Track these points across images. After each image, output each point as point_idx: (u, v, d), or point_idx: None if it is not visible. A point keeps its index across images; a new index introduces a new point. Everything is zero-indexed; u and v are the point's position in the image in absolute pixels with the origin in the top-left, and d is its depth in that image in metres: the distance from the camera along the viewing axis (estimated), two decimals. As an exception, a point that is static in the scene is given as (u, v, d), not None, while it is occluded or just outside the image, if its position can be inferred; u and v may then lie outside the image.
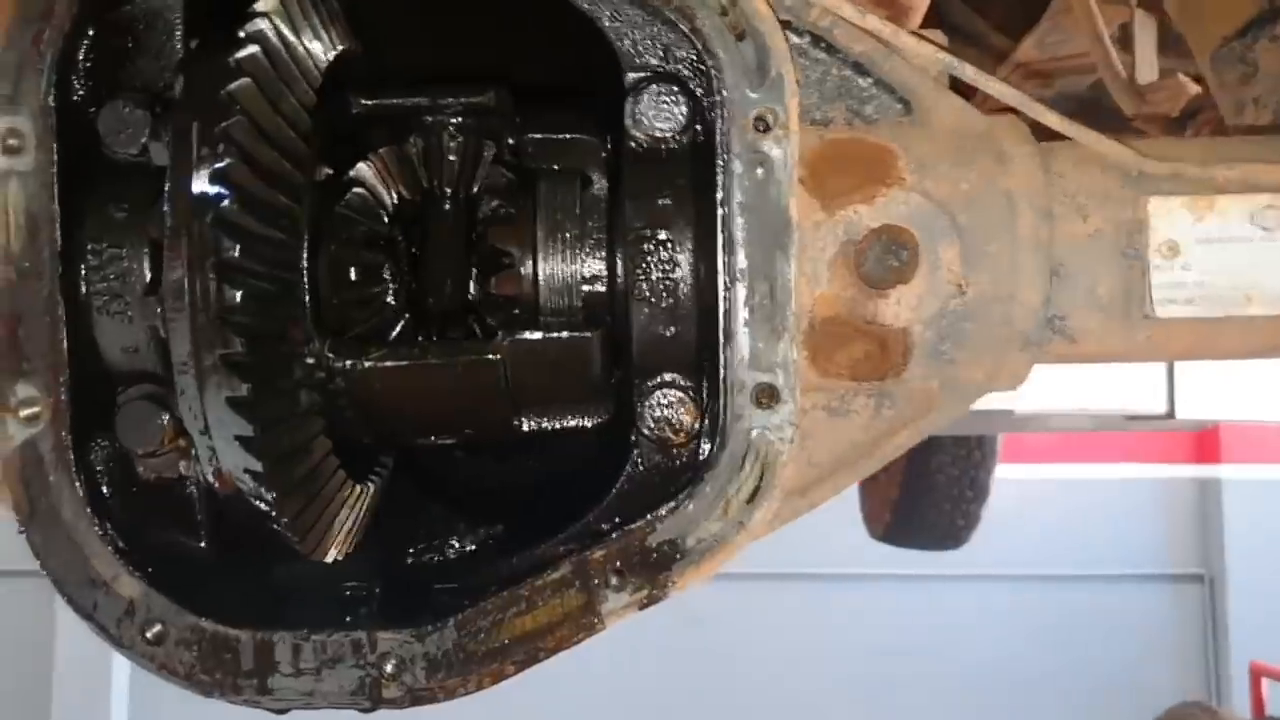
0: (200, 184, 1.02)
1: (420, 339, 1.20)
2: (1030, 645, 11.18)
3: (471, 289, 1.23)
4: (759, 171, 1.13)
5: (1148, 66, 2.44)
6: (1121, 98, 2.40)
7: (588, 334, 1.18)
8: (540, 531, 1.24)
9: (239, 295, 1.01)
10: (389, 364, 1.16)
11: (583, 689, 10.68)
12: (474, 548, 1.38)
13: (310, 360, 1.14)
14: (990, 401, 3.83)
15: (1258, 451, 11.25)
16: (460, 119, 1.25)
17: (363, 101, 1.25)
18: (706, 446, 1.18)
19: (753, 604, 10.87)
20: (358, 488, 1.23)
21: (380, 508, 1.30)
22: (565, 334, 1.18)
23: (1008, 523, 9.01)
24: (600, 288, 1.20)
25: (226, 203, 1.01)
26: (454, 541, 1.39)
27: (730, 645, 10.83)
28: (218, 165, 1.01)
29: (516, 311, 1.19)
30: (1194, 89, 2.32)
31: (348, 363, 1.16)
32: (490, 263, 1.20)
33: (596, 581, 1.15)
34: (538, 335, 1.17)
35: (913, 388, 1.22)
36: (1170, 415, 3.76)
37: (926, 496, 5.78)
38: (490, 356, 1.17)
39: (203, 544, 1.21)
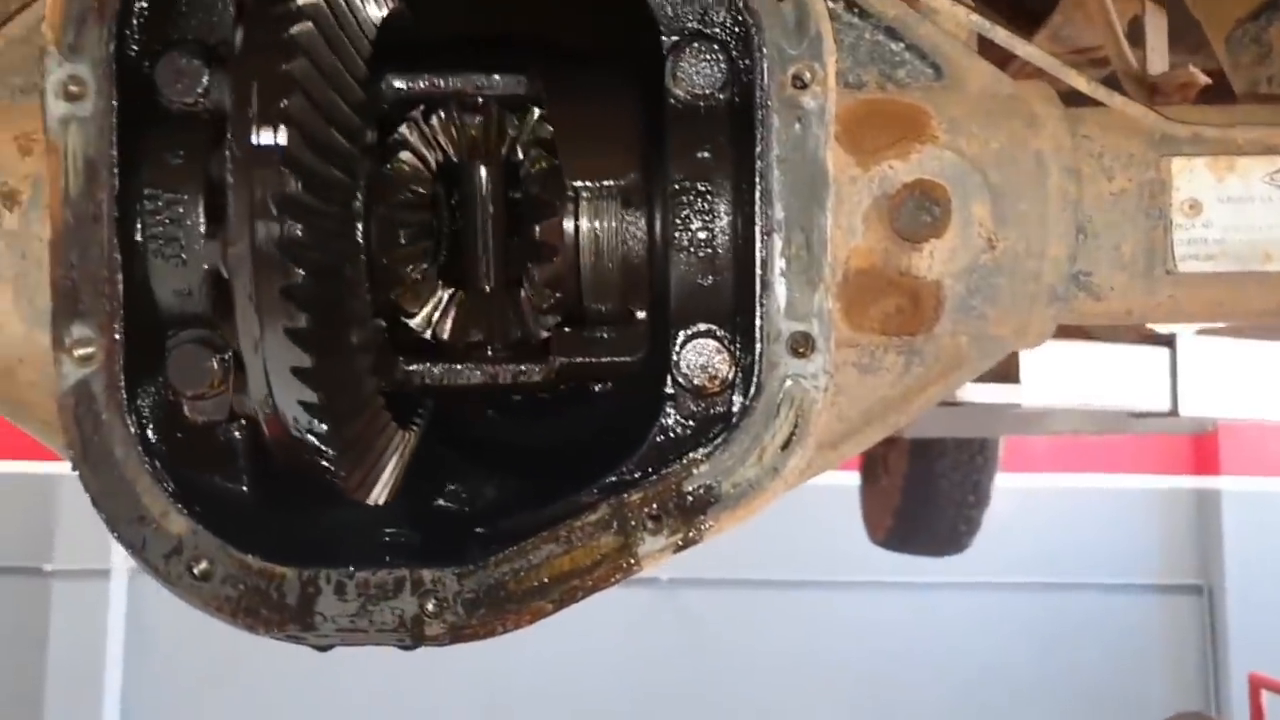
0: (264, 127, 1.05)
1: (476, 336, 1.29)
2: (1028, 654, 11.20)
3: (514, 253, 1.28)
4: (796, 126, 1.16)
5: (1159, 58, 2.49)
6: (1134, 89, 2.44)
7: (636, 357, 1.26)
8: (575, 480, 1.27)
9: (299, 228, 1.04)
10: (447, 384, 1.28)
11: (583, 695, 10.69)
12: (509, 499, 1.41)
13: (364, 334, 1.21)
14: (995, 395, 3.82)
15: (1257, 463, 11.29)
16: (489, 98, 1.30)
17: (396, 85, 1.29)
18: (740, 397, 1.21)
19: (751, 611, 10.89)
20: (401, 432, 1.26)
21: (418, 456, 1.33)
22: (618, 358, 1.26)
23: (1007, 531, 9.04)
24: (640, 244, 1.23)
25: (289, 141, 1.04)
26: (489, 493, 1.42)
27: (729, 652, 10.84)
28: (281, 107, 1.04)
29: (559, 278, 1.23)
30: (1204, 80, 2.36)
31: (409, 367, 1.28)
32: (533, 211, 1.24)
33: (633, 524, 1.18)
34: (589, 360, 1.26)
35: (942, 343, 1.26)
36: (1174, 413, 3.78)
37: (928, 501, 5.81)
38: (541, 380, 1.28)
39: (245, 488, 1.24)
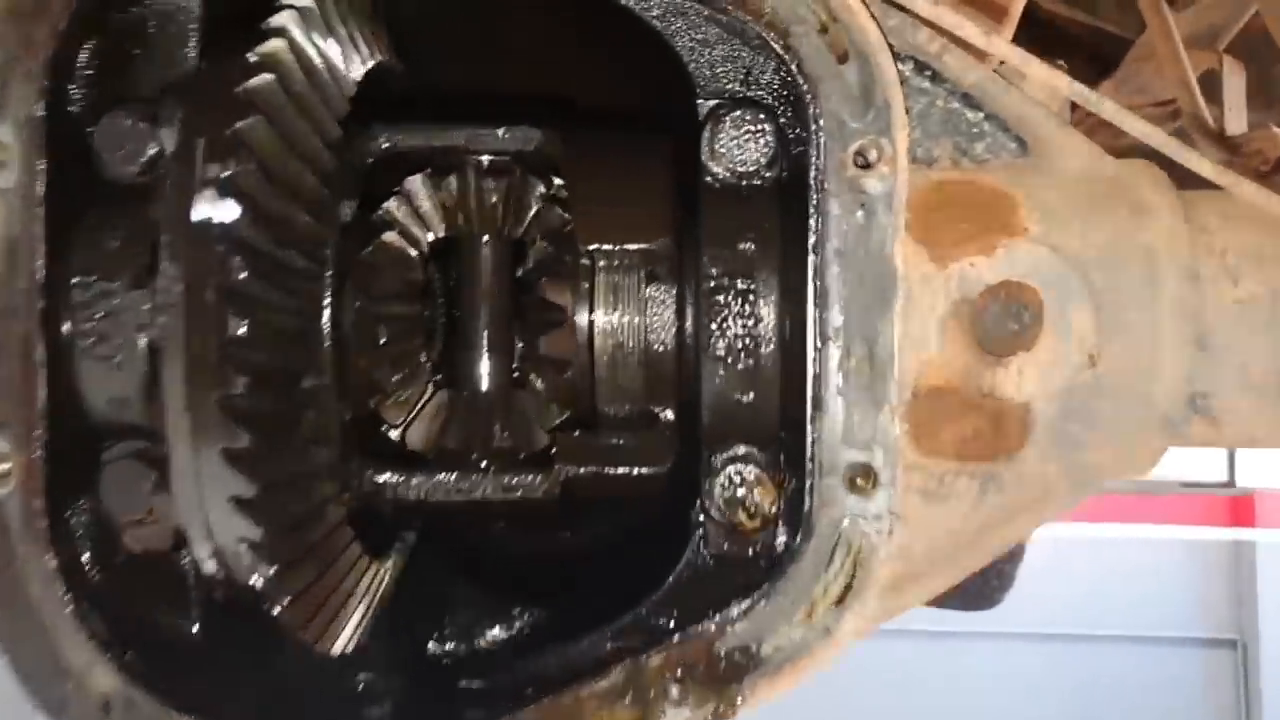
0: (209, 196, 0.86)
1: (472, 455, 1.08)
2: (1058, 707, 10.91)
3: (517, 344, 1.08)
4: (859, 214, 0.97)
5: (1237, 116, 2.27)
6: (1208, 150, 2.23)
7: (660, 468, 1.05)
8: (583, 616, 1.07)
9: (245, 326, 0.85)
10: (429, 499, 1.06)
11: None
12: (507, 635, 1.21)
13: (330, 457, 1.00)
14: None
15: (1295, 517, 10.97)
16: (504, 158, 1.10)
17: (384, 142, 1.09)
18: (784, 535, 1.01)
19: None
20: (374, 564, 1.06)
21: (400, 586, 1.13)
22: (638, 470, 1.05)
23: (1038, 581, 8.76)
24: (667, 346, 1.03)
25: (237, 218, 0.85)
26: (484, 627, 1.22)
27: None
28: (228, 176, 0.86)
29: (568, 375, 1.04)
30: (1290, 141, 2.15)
31: (380, 479, 1.05)
32: (539, 317, 1.05)
33: (653, 693, 0.97)
34: (601, 470, 1.06)
35: (1026, 471, 1.05)
36: (1230, 484, 3.55)
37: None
38: (543, 495, 1.06)
39: (195, 627, 1.05)
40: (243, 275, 0.85)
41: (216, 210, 0.85)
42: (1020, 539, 1.08)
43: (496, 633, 1.22)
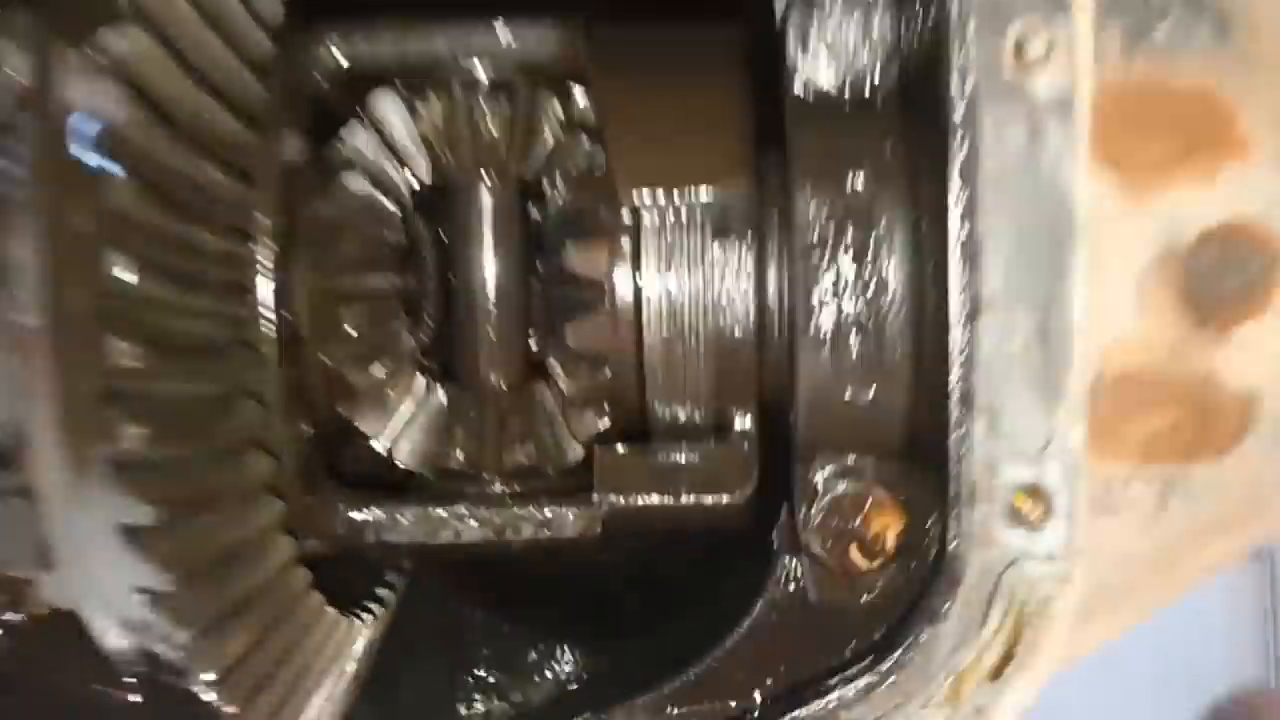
0: (70, 153, 0.58)
1: (483, 475, 0.83)
2: (1081, 625, 10.90)
3: (532, 331, 0.80)
4: (1022, 130, 0.68)
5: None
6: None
7: (736, 495, 0.79)
8: (632, 663, 0.81)
9: (137, 347, 0.58)
10: (425, 541, 0.81)
11: None
12: (534, 690, 0.95)
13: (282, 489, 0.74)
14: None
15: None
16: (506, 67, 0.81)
17: (339, 54, 0.79)
18: (916, 581, 0.74)
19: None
20: (346, 622, 0.79)
21: (391, 630, 0.87)
22: (706, 497, 0.80)
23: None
24: (745, 328, 0.76)
25: (115, 186, 0.58)
26: (507, 677, 0.96)
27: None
28: (101, 126, 0.58)
29: (605, 371, 0.76)
30: None
31: (359, 516, 0.80)
32: (563, 294, 0.76)
33: None
34: (656, 499, 0.80)
35: (1234, 476, 0.79)
36: None
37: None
38: (579, 533, 0.81)
39: (133, 694, 0.80)
40: (128, 275, 0.57)
41: (83, 175, 0.57)
42: (1226, 564, 0.81)
43: (523, 686, 0.96)
